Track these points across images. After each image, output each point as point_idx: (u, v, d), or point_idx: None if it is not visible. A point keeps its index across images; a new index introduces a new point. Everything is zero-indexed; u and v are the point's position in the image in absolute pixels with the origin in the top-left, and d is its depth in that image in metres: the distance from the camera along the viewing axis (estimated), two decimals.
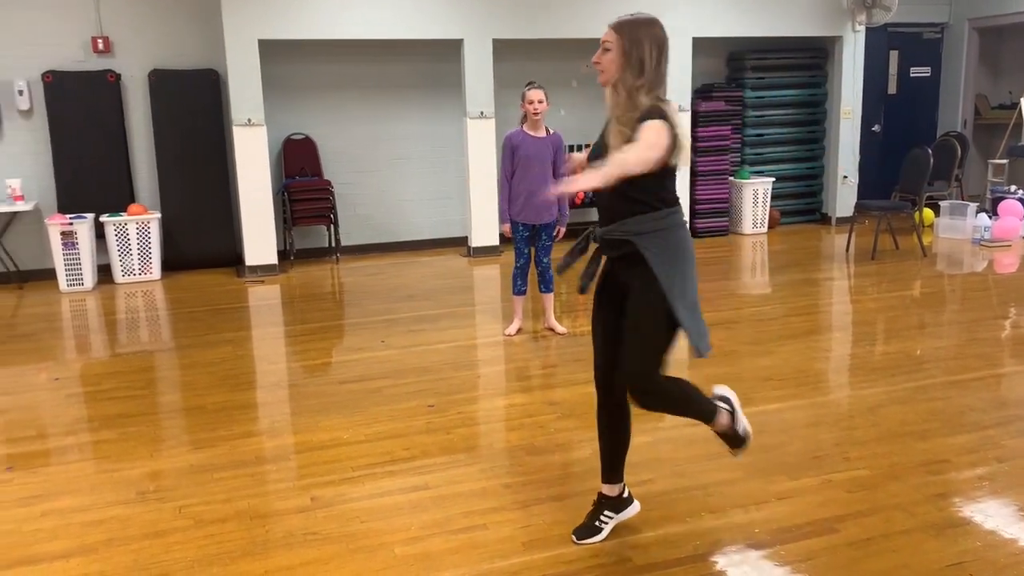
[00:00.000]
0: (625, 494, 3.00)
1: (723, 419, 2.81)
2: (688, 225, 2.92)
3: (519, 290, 5.60)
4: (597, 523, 2.93)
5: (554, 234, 5.47)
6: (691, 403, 2.78)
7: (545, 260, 5.52)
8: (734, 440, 2.88)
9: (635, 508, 3.01)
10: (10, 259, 7.52)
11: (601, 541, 2.89)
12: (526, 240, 5.47)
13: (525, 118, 5.35)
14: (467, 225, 8.62)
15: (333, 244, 8.50)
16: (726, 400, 2.89)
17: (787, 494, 3.23)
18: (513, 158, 5.33)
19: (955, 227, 8.75)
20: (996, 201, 8.91)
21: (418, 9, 7.94)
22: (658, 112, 2.55)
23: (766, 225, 9.46)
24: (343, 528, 3.04)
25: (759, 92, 9.52)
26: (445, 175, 8.96)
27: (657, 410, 2.84)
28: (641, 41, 2.58)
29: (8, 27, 7.44)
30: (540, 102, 5.24)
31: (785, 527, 2.99)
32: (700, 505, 3.16)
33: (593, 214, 8.10)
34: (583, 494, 3.19)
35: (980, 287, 6.97)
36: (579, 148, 5.44)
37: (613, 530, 2.95)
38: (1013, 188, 9.02)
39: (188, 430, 4.06)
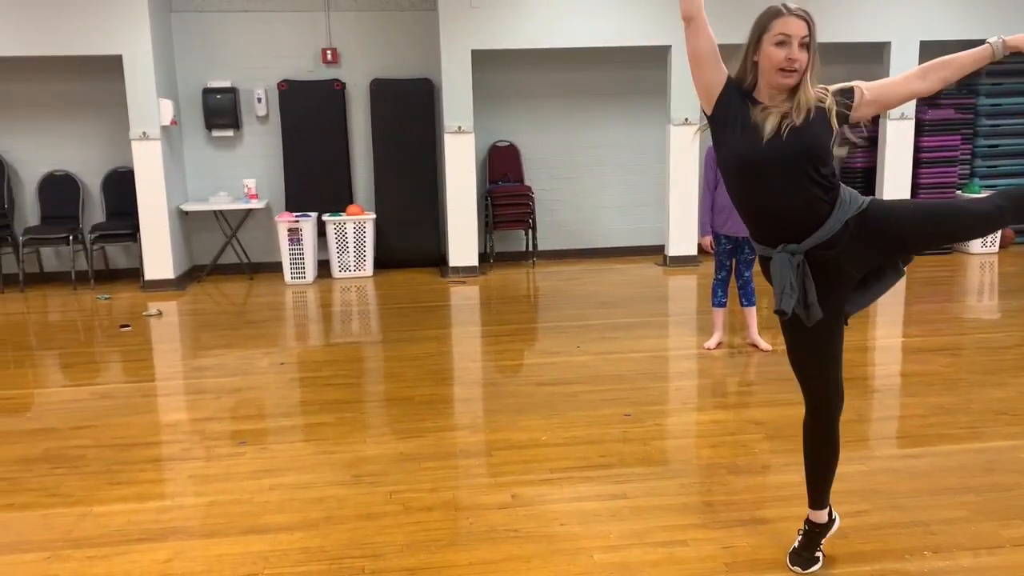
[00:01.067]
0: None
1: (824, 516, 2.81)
2: None
3: (719, 302, 5.45)
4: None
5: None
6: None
7: (747, 274, 5.33)
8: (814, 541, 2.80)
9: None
10: (243, 252, 8.27)
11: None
12: (728, 252, 5.32)
13: None
14: (663, 234, 8.51)
15: (530, 248, 8.67)
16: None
17: None
18: (717, 169, 5.19)
19: None
20: None
21: (627, 17, 7.94)
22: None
23: (997, 245, 8.64)
24: (543, 528, 3.08)
25: (995, 99, 8.71)
26: (643, 183, 8.90)
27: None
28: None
29: (252, 41, 8.19)
30: None
31: None
32: (921, 543, 2.92)
33: None
34: (791, 520, 3.04)
35: None
36: None
37: (824, 560, 2.80)
38: None
39: (397, 419, 4.28)
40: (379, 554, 2.92)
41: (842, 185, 2.52)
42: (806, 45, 2.40)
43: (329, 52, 8.26)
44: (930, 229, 2.56)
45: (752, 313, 5.44)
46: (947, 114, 8.50)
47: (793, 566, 2.76)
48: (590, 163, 8.86)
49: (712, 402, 4.60)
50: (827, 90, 2.47)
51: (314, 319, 6.87)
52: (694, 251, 8.33)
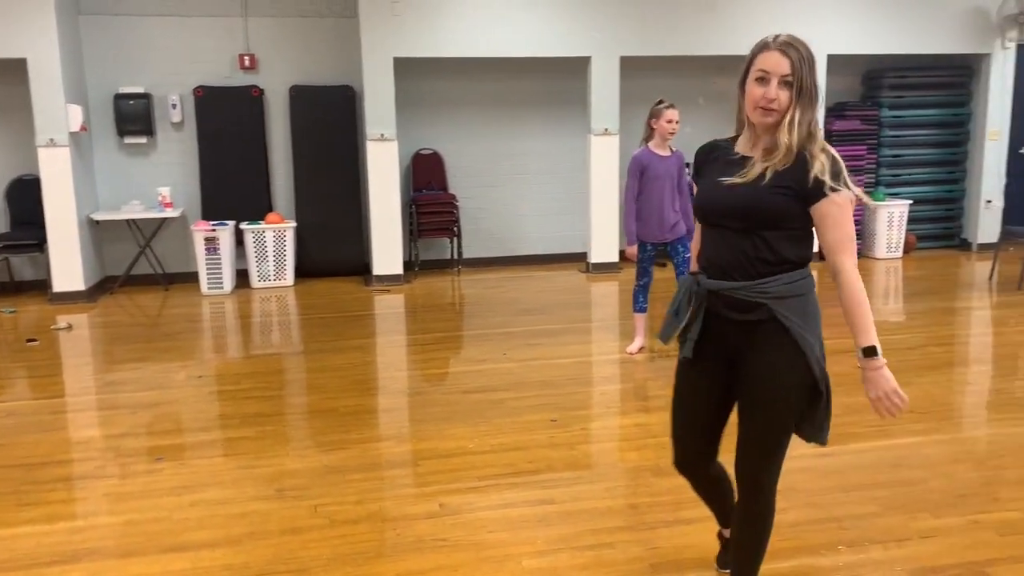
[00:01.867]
0: None
1: None
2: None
3: (640, 308, 5.56)
4: None
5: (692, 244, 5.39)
6: (765, 544, 2.47)
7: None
8: None
9: None
10: (158, 262, 8.02)
11: None
12: (651, 259, 5.43)
13: (650, 136, 5.31)
14: (586, 241, 8.63)
15: (455, 256, 8.67)
16: None
17: (931, 532, 3.08)
18: (641, 178, 5.29)
19: None
20: None
21: (549, 28, 8.04)
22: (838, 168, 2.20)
23: (901, 250, 9.06)
24: (471, 536, 3.09)
25: (897, 111, 9.14)
26: (566, 191, 9.00)
27: (752, 519, 2.43)
28: (813, 61, 2.23)
29: (166, 46, 7.97)
30: (678, 122, 5.22)
31: (930, 567, 2.84)
32: (835, 538, 3.04)
33: None
34: (713, 519, 3.13)
35: None
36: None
37: None
38: None
39: (321, 431, 4.22)
40: (305, 568, 2.88)
41: (806, 295, 2.29)
42: (789, 83, 2.19)
43: (247, 58, 8.11)
44: (750, 435, 2.35)
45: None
46: (853, 125, 8.88)
47: (723, 568, 2.81)
48: (514, 171, 8.93)
49: (635, 406, 4.68)
50: (828, 156, 2.20)
51: (232, 330, 6.71)
52: (616, 258, 8.49)
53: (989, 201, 9.19)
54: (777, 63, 2.20)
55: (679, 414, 2.52)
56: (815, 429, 2.38)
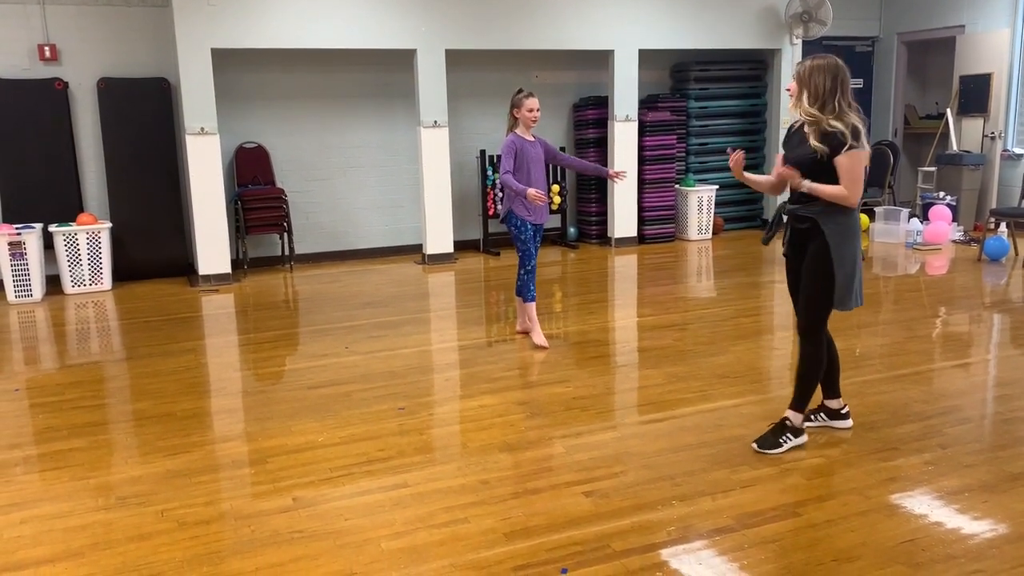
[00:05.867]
0: (844, 409, 3.95)
1: (799, 420, 3.74)
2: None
3: (532, 296, 5.48)
4: (781, 440, 3.70)
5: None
6: (813, 380, 3.71)
7: (534, 261, 5.52)
8: (780, 433, 3.72)
9: (846, 423, 3.94)
10: None
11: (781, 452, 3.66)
12: (534, 239, 5.47)
13: (515, 125, 5.40)
14: (421, 233, 8.72)
15: (287, 252, 8.50)
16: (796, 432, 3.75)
17: (750, 482, 3.42)
18: (516, 161, 5.28)
19: (889, 231, 9.18)
20: (926, 207, 9.37)
21: (372, 20, 8.02)
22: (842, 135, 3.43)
23: (710, 231, 9.77)
24: (328, 526, 3.11)
25: (702, 102, 9.84)
26: (398, 183, 9.05)
27: (802, 359, 3.71)
28: (812, 74, 3.50)
29: None
30: (538, 109, 5.35)
31: (751, 512, 3.17)
32: (670, 494, 3.31)
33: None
34: (559, 487, 3.34)
35: (914, 288, 7.33)
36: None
37: (591, 518, 3.10)
38: (942, 194, 9.50)
39: (161, 436, 4.07)
40: (158, 573, 2.80)
41: (847, 219, 3.55)
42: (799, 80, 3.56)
43: (47, 48, 7.56)
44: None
45: (530, 307, 5.66)
46: (664, 116, 9.47)
47: (755, 446, 3.69)
48: (344, 164, 8.86)
49: (479, 388, 4.82)
50: (845, 123, 3.49)
51: (47, 339, 6.27)
52: (451, 248, 8.64)
53: None
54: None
55: (791, 292, 3.79)
56: (838, 302, 3.58)
